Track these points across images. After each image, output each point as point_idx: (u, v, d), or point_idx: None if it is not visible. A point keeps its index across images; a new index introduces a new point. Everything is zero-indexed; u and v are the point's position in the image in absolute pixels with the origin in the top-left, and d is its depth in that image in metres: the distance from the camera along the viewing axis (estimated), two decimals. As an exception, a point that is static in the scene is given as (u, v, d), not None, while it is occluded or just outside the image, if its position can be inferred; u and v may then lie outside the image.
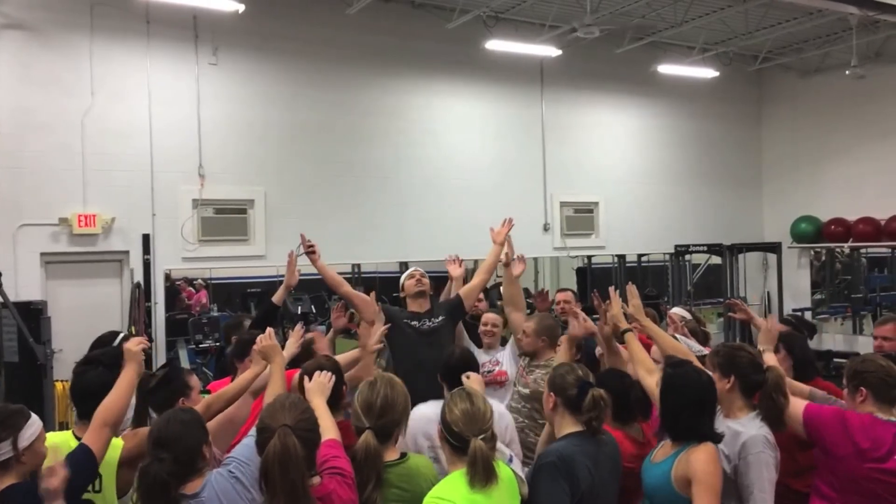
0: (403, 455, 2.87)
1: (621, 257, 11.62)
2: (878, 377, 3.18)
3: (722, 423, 3.06)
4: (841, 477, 3.07)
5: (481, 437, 2.53)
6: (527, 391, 4.45)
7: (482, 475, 2.49)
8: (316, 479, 2.52)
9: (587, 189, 10.85)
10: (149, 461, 2.49)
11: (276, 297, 5.05)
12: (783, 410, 3.07)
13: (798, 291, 11.96)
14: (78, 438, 3.06)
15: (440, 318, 4.74)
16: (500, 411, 3.71)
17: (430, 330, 4.66)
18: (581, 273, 11.68)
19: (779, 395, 3.07)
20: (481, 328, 5.21)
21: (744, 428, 3.06)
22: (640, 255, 11.86)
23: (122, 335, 4.65)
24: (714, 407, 2.98)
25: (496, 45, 9.24)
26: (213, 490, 2.51)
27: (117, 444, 3.08)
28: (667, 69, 10.64)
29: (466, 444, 2.52)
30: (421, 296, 4.83)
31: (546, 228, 10.45)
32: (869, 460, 3.01)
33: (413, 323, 4.70)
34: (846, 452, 3.03)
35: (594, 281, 11.64)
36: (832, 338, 11.50)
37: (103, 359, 3.79)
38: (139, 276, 7.78)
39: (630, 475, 3.14)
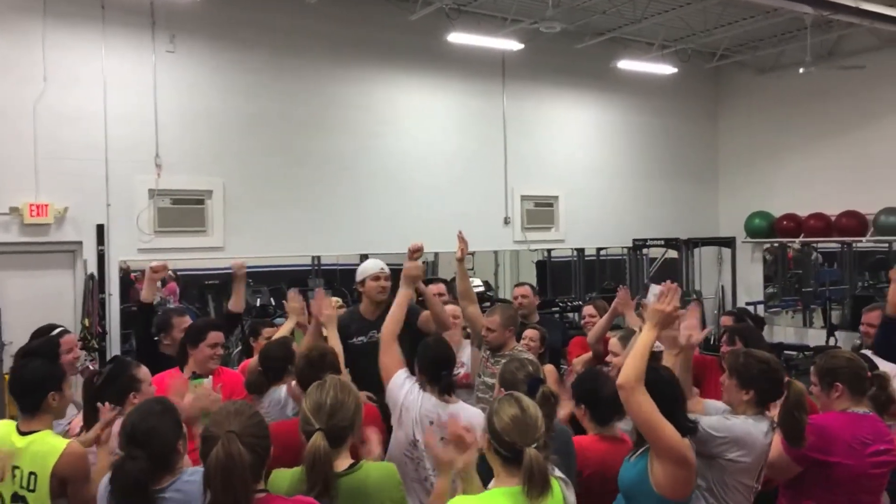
0: (355, 463, 2.66)
1: (580, 251, 11.73)
2: (850, 371, 3.25)
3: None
4: (842, 482, 3.06)
5: (534, 445, 2.38)
6: (493, 381, 4.46)
7: (539, 488, 2.33)
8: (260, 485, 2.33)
9: (548, 183, 10.91)
10: (122, 459, 2.37)
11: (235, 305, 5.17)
12: (804, 427, 2.94)
13: (751, 285, 12.22)
14: (22, 433, 2.92)
15: None
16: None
17: (376, 342, 4.22)
18: (541, 266, 11.78)
19: (801, 412, 2.93)
20: None
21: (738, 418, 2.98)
22: (598, 249, 12.00)
23: (59, 329, 4.54)
24: (682, 399, 2.87)
25: (458, 37, 9.21)
26: (183, 484, 2.39)
27: (58, 447, 2.90)
28: (626, 65, 10.74)
29: (518, 454, 2.37)
30: (381, 304, 4.72)
31: (507, 222, 10.50)
32: (865, 455, 3.07)
33: (359, 340, 4.63)
34: (839, 456, 3.06)
35: (553, 274, 11.76)
36: (783, 331, 11.76)
37: (40, 350, 3.68)
38: (93, 268, 7.62)
39: (602, 479, 3.10)
